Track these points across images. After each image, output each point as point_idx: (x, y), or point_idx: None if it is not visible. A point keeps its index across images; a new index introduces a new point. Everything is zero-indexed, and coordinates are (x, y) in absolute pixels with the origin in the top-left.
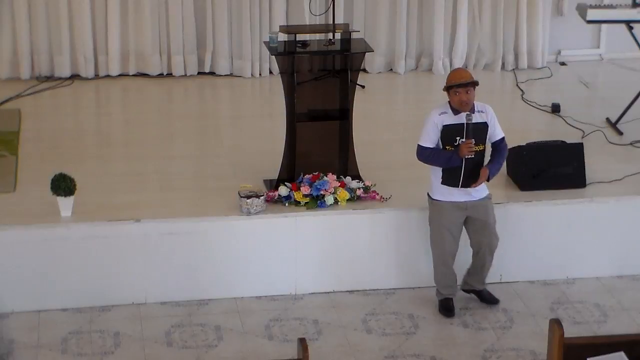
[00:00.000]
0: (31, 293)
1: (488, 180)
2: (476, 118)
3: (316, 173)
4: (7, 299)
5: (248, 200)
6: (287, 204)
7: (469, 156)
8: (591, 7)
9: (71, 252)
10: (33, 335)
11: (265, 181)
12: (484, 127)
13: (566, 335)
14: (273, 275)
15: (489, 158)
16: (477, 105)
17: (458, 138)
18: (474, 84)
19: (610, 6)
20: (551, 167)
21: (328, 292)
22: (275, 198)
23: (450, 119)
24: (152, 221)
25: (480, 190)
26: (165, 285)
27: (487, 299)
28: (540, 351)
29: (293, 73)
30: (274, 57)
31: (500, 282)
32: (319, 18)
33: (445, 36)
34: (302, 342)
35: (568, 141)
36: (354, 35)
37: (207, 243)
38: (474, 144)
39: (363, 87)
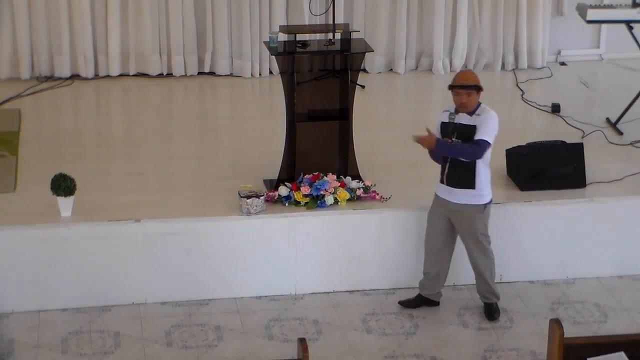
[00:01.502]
0: (31, 293)
1: (437, 144)
2: (469, 121)
3: (316, 173)
4: (7, 299)
5: (248, 200)
6: (287, 204)
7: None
8: (591, 7)
9: (71, 252)
10: (33, 335)
11: (265, 181)
12: (471, 129)
13: (566, 335)
14: (273, 275)
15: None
16: (481, 109)
17: (450, 136)
18: (475, 87)
19: (610, 6)
20: (551, 167)
21: (328, 292)
22: (275, 198)
23: (450, 117)
24: (152, 221)
25: (461, 196)
26: (165, 285)
27: (485, 312)
28: (540, 351)
29: (293, 73)
30: (274, 57)
31: (501, 282)
32: (319, 18)
33: (445, 36)
34: (302, 342)
35: (568, 141)
36: (354, 35)
37: (207, 243)
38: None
39: (363, 87)
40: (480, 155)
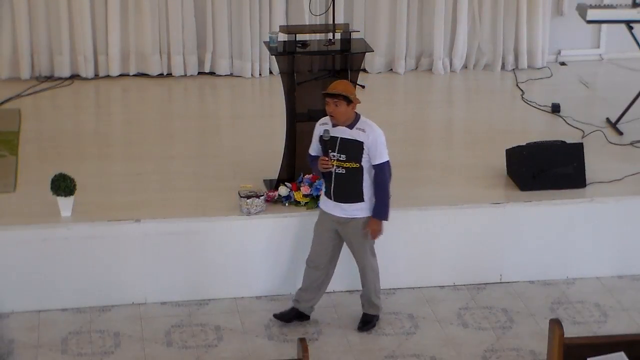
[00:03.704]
0: (31, 293)
1: (381, 219)
2: (351, 134)
3: None
4: (7, 299)
5: (248, 200)
6: (287, 204)
7: (324, 171)
8: (591, 7)
9: (71, 252)
10: (33, 335)
11: (265, 181)
12: (357, 145)
13: (566, 335)
14: (273, 275)
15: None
16: (362, 122)
17: (329, 151)
18: (343, 97)
19: (610, 6)
20: (551, 167)
21: (328, 292)
22: (275, 198)
23: (325, 132)
24: (152, 221)
25: (351, 210)
26: (165, 285)
27: (360, 321)
28: (540, 351)
29: (293, 73)
30: (274, 57)
31: (500, 282)
32: (319, 18)
33: (445, 36)
34: (302, 342)
35: (568, 141)
36: (354, 35)
37: (207, 243)
38: (345, 159)
39: (363, 87)
40: (389, 176)
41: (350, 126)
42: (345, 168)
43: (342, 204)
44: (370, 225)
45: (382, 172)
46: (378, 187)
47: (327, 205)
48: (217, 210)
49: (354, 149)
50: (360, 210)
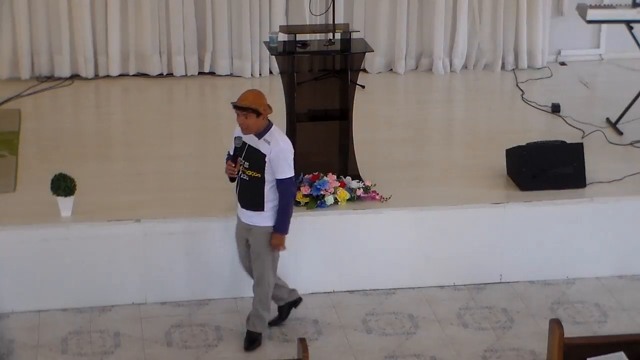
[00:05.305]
0: (31, 293)
1: (280, 233)
2: (257, 144)
3: (316, 173)
4: (7, 299)
5: None
6: None
7: (230, 175)
8: (591, 7)
9: (71, 252)
10: (33, 335)
11: None
12: (260, 155)
13: (566, 335)
14: None
15: None
16: (270, 134)
17: (239, 156)
18: (252, 110)
19: (610, 6)
20: (551, 167)
21: (328, 292)
22: None
23: (236, 140)
24: (152, 221)
25: (251, 216)
26: (165, 285)
27: (246, 341)
28: (540, 351)
29: (293, 73)
30: (274, 57)
31: (500, 282)
32: (319, 18)
33: (445, 36)
34: (302, 342)
35: (568, 141)
36: (354, 35)
37: (207, 243)
38: (248, 167)
39: (363, 87)
40: (293, 192)
41: (259, 135)
42: (249, 176)
43: (246, 210)
44: (272, 238)
45: (284, 187)
46: (280, 202)
47: (239, 209)
48: (217, 210)
49: (257, 158)
50: (260, 218)
